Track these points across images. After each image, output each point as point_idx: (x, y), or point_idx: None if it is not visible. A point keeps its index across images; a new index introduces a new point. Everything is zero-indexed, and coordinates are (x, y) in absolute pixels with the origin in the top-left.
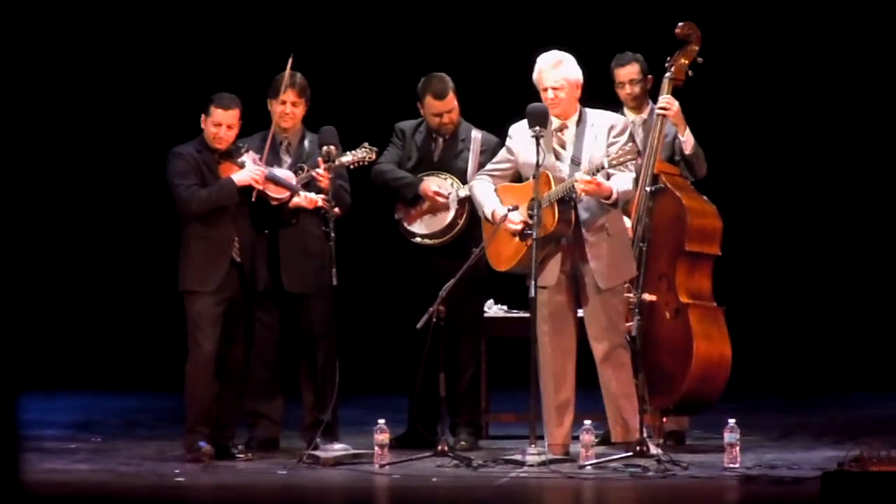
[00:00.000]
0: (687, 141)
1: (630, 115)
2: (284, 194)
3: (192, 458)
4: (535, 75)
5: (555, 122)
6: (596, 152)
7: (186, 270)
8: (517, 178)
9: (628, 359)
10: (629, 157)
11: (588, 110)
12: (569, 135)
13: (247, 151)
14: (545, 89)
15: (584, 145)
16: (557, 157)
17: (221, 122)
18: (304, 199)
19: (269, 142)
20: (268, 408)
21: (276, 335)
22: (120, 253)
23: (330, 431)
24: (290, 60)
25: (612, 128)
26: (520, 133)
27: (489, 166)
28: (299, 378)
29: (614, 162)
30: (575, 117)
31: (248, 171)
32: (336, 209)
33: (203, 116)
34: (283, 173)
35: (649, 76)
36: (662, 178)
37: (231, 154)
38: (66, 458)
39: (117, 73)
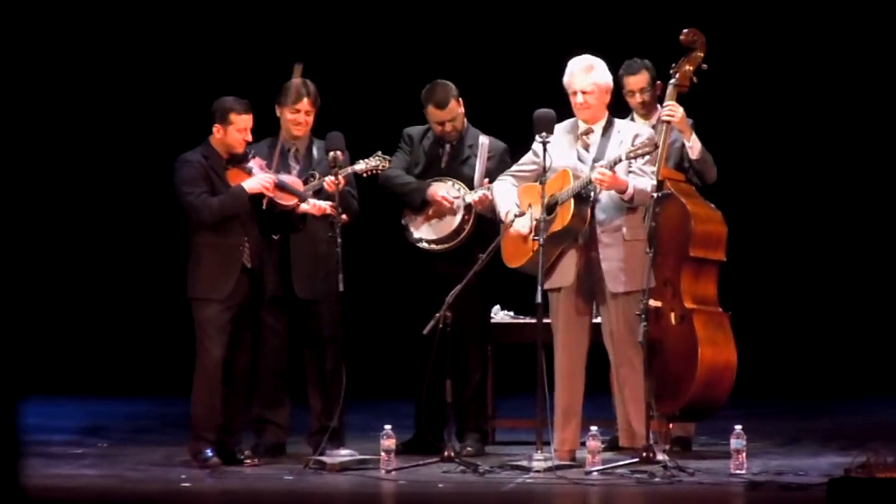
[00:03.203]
0: (693, 147)
1: (639, 122)
2: (292, 201)
3: (198, 465)
4: (565, 78)
5: (581, 126)
6: None
7: (197, 278)
8: None
9: (641, 364)
10: (647, 148)
11: (616, 120)
12: (594, 138)
13: (253, 157)
14: (574, 93)
15: (608, 148)
16: (580, 159)
17: (246, 127)
18: (312, 206)
19: (277, 149)
20: (274, 414)
21: (285, 341)
22: (127, 258)
23: (336, 437)
24: (298, 69)
25: (636, 136)
26: None
27: (514, 167)
28: (307, 384)
29: (632, 154)
30: (602, 122)
31: (259, 178)
32: (343, 216)
33: (217, 126)
34: (291, 179)
35: (658, 82)
36: (667, 184)
37: (239, 160)
38: (73, 463)
39: (124, 79)
